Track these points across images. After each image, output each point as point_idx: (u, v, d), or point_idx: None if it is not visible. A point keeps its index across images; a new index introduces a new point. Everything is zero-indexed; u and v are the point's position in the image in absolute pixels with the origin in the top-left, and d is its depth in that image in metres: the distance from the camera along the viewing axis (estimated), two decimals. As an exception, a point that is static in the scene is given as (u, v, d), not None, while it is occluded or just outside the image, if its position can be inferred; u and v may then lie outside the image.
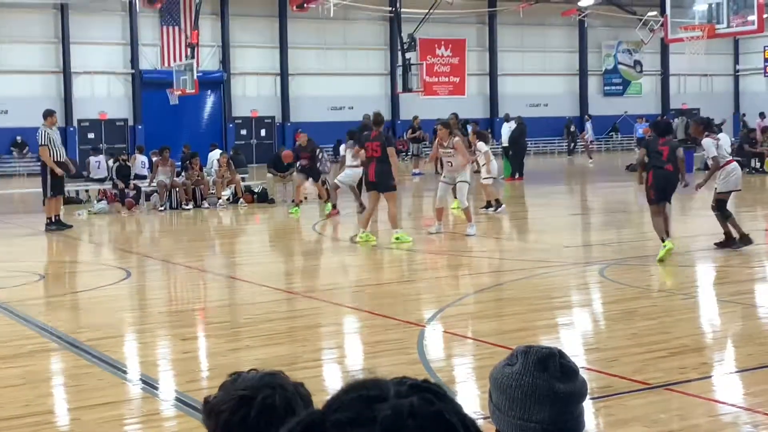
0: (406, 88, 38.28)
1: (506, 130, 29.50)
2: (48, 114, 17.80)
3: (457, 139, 14.78)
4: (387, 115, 43.82)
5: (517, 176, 27.89)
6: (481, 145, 18.33)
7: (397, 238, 13.90)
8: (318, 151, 20.25)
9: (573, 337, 8.24)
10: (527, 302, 9.52)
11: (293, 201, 20.31)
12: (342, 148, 19.81)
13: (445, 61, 45.23)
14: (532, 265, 11.91)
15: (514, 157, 28.41)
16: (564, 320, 8.94)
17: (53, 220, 17.23)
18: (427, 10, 39.30)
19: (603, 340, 8.11)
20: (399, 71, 39.14)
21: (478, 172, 18.44)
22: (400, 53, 38.83)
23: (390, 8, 41.48)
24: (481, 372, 6.67)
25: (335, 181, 18.64)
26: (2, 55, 38.00)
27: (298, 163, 20.22)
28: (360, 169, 16.79)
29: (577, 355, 7.65)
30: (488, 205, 18.32)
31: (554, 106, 47.27)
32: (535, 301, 9.60)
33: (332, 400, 1.25)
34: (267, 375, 2.17)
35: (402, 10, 39.35)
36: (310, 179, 20.17)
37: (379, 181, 13.83)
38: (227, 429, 2.08)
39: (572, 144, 44.00)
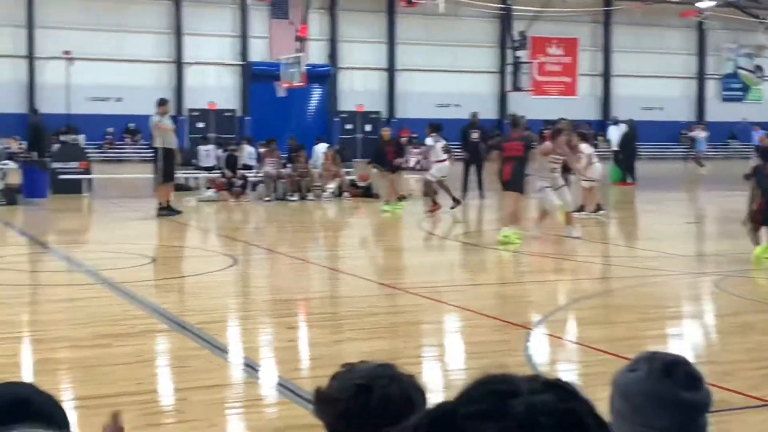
0: (516, 87, 37.83)
1: (615, 133, 28.88)
2: (161, 103, 18.18)
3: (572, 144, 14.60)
4: (494, 114, 43.51)
5: (627, 181, 27.29)
6: (584, 147, 17.78)
7: (505, 236, 13.72)
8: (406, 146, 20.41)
9: (686, 348, 7.94)
10: (638, 310, 9.22)
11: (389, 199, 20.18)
12: (429, 140, 19.56)
13: (557, 60, 44.57)
14: (642, 272, 11.57)
15: (624, 161, 27.81)
16: (676, 330, 8.64)
17: (164, 205, 17.58)
18: (539, 8, 38.78)
19: (717, 353, 7.79)
20: (509, 69, 38.72)
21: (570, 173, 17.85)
22: (510, 51, 38.41)
23: (501, 5, 41.11)
24: (590, 378, 6.46)
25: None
26: (118, 45, 39.05)
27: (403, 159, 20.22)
28: (447, 163, 17.05)
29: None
30: (581, 209, 17.71)
31: (670, 110, 46.10)
32: (646, 309, 9.30)
33: (464, 392, 1.23)
34: (382, 366, 2.13)
35: (513, 7, 38.95)
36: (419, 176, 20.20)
37: (513, 180, 13.79)
38: (346, 418, 2.04)
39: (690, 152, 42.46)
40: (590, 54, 45.86)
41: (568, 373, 7.07)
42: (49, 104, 35.99)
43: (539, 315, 8.98)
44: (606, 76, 45.96)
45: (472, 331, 8.36)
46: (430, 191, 18.91)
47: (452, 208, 18.48)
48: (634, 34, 45.70)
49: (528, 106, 39.19)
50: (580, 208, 17.62)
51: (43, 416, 1.75)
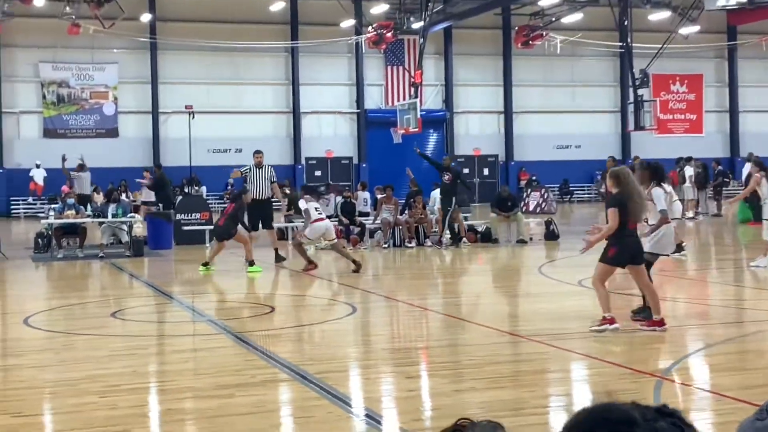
0: (638, 126, 37.00)
1: (746, 171, 27.96)
2: (255, 153, 18.91)
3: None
4: (618, 154, 42.77)
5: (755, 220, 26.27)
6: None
7: None
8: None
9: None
10: (775, 356, 8.77)
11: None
12: (301, 203, 19.04)
13: (681, 98, 43.55)
14: (777, 315, 11.02)
15: (752, 199, 26.80)
16: (818, 378, 8.15)
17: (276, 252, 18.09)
18: (660, 45, 38.03)
19: None
20: (630, 108, 37.99)
21: None
22: (631, 90, 37.72)
23: (620, 43, 40.54)
24: (722, 428, 6.16)
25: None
26: (239, 97, 40.12)
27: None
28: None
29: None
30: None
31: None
32: (783, 355, 8.83)
33: (576, 422, 1.25)
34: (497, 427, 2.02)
35: (633, 45, 38.33)
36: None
37: None
38: None
39: None
40: (715, 90, 44.68)
41: (700, 422, 6.72)
42: (173, 157, 37.11)
43: (669, 362, 8.62)
44: (732, 111, 44.65)
45: (598, 379, 8.07)
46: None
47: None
48: (761, 67, 44.33)
49: (652, 145, 38.38)
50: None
51: None
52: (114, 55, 39.01)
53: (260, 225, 18.55)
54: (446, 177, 21.16)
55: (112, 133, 39.89)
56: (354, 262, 16.54)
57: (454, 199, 20.99)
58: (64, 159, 26.01)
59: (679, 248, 17.43)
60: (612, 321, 9.84)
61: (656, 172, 11.30)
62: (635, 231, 9.84)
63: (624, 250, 9.69)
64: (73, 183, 25.43)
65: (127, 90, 39.61)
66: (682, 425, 1.23)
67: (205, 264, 17.02)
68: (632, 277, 10.15)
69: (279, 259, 18.07)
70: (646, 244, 10.57)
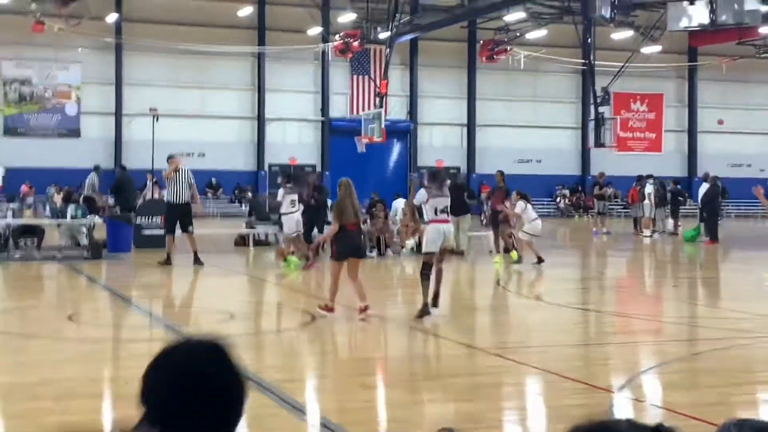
0: (599, 143, 37.41)
1: (703, 190, 28.38)
2: (168, 158, 18.98)
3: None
4: (576, 170, 43.20)
5: (707, 239, 26.68)
6: (519, 204, 19.53)
7: None
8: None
9: (780, 417, 7.60)
10: (727, 375, 8.89)
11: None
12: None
13: (641, 116, 44.08)
14: (730, 334, 11.18)
15: (708, 219, 27.21)
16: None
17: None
18: (622, 64, 38.51)
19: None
20: (591, 125, 38.42)
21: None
22: (592, 107, 38.15)
23: (583, 61, 40.99)
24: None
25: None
26: (203, 102, 39.95)
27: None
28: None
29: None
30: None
31: (759, 166, 45.10)
32: (735, 374, 8.96)
33: None
34: None
35: (596, 62, 38.79)
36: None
37: None
38: None
39: None
40: (676, 110, 45.27)
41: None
42: (135, 160, 36.86)
43: (623, 378, 8.71)
44: (691, 132, 45.28)
45: (554, 394, 8.14)
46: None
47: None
48: (720, 89, 45.00)
49: (611, 162, 38.79)
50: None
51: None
52: (78, 55, 38.68)
53: (180, 228, 18.54)
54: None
55: (74, 133, 39.52)
56: (307, 258, 17.01)
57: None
58: None
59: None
60: (331, 309, 11.72)
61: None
62: (353, 230, 11.87)
63: (344, 247, 11.75)
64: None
65: (91, 90, 39.30)
66: None
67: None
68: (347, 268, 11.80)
69: (168, 262, 18.02)
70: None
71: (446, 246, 12.06)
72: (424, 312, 11.72)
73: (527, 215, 19.50)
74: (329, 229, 12.13)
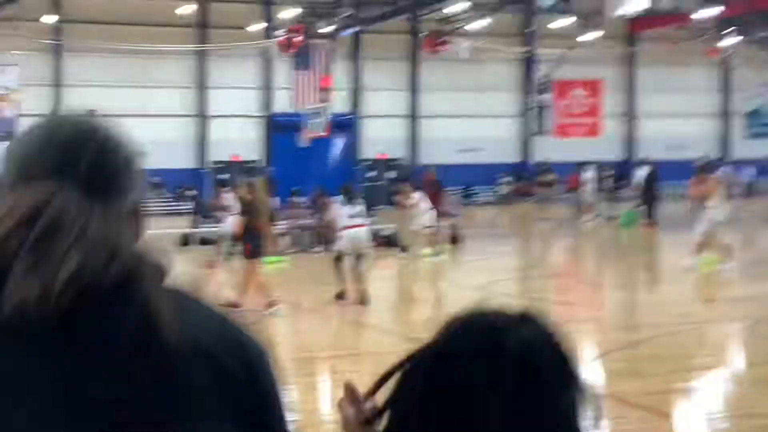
0: (539, 131, 37.63)
1: (640, 174, 28.68)
2: None
3: None
4: (518, 157, 43.45)
5: (649, 222, 26.90)
6: (416, 195, 19.42)
7: None
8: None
9: (722, 401, 7.70)
10: (671, 361, 9.00)
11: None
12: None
13: (581, 103, 44.37)
14: (674, 319, 11.31)
15: (647, 202, 27.51)
16: (712, 382, 8.39)
17: None
18: (562, 51, 38.74)
19: (756, 405, 7.54)
20: (532, 113, 38.64)
21: None
22: (533, 95, 38.35)
23: (525, 49, 41.22)
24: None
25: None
26: (145, 100, 39.45)
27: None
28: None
29: (726, 421, 7.17)
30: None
31: (696, 149, 45.72)
32: (679, 360, 9.07)
33: (445, 332, 1.27)
34: None
35: (537, 50, 38.96)
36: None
37: None
38: None
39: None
40: (615, 95, 45.68)
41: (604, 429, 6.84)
42: (76, 161, 36.17)
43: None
44: (630, 116, 45.80)
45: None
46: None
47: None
48: (660, 74, 45.53)
49: (551, 148, 39.09)
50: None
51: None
52: (14, 57, 37.95)
53: None
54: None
55: (11, 137, 38.75)
56: None
57: None
58: None
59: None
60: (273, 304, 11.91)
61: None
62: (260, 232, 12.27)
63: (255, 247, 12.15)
64: None
65: (29, 93, 38.58)
66: (545, 330, 1.25)
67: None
68: None
69: None
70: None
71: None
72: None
73: (421, 207, 19.12)
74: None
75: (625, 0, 27.83)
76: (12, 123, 38.98)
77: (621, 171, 35.19)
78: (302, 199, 23.58)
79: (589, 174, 29.76)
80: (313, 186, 26.04)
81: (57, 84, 38.99)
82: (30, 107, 38.58)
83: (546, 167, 32.79)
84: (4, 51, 36.91)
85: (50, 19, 37.73)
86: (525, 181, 39.49)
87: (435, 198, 20.47)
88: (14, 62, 38.36)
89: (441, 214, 20.49)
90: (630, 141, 45.92)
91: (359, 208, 13.27)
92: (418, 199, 19.23)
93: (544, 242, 25.54)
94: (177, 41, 38.64)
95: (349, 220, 12.70)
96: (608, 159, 36.91)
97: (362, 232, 12.88)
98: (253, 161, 41.83)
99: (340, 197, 14.47)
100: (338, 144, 42.14)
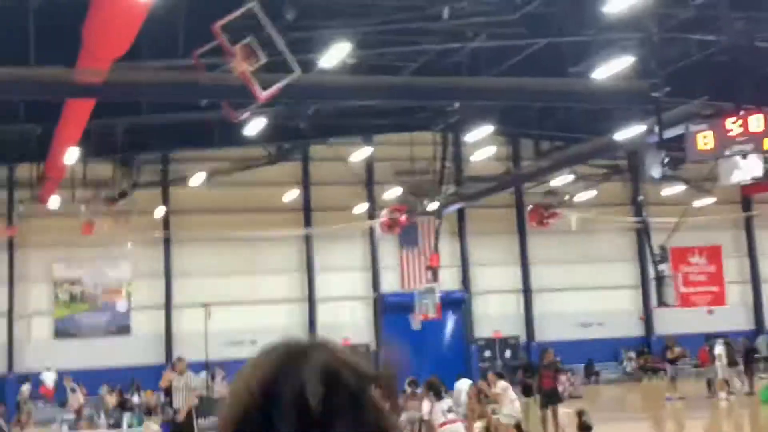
0: (661, 302, 35.93)
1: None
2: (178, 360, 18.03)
3: None
4: (639, 332, 41.67)
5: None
6: (501, 384, 18.78)
7: None
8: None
9: None
10: None
11: None
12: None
13: (701, 270, 42.66)
14: None
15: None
16: None
17: None
18: (675, 218, 37.52)
19: None
20: (651, 284, 37.06)
21: None
22: (650, 265, 36.88)
23: (637, 218, 40.11)
24: None
25: None
26: (254, 287, 39.49)
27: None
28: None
29: None
30: None
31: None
32: None
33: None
34: None
35: (650, 218, 37.80)
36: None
37: None
38: None
39: None
40: (735, 260, 43.89)
41: None
42: (185, 352, 36.12)
43: None
44: (755, 282, 43.70)
45: None
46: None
47: None
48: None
49: (675, 320, 37.35)
50: None
51: None
52: (127, 251, 38.70)
53: None
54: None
55: (124, 330, 39.08)
56: None
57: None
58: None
59: None
60: None
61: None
62: None
63: None
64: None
65: (140, 285, 39.11)
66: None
67: None
68: None
69: None
70: None
71: None
72: None
73: (508, 395, 18.38)
74: None
75: (739, 166, 26.84)
76: (126, 317, 39.41)
77: (752, 342, 33.26)
78: (419, 390, 22.41)
79: (719, 347, 28.08)
80: (427, 371, 25.00)
81: (167, 275, 39.43)
82: (141, 300, 39.04)
83: (672, 341, 31.14)
84: (117, 245, 37.72)
85: (160, 211, 38.58)
86: (651, 355, 37.64)
87: (554, 379, 19.40)
88: (127, 256, 39.10)
89: (559, 398, 19.41)
90: (757, 308, 43.63)
91: (449, 402, 12.60)
92: (503, 388, 18.36)
93: (678, 424, 23.75)
94: (282, 226, 38.95)
95: (444, 415, 11.83)
96: (734, 329, 34.91)
97: (460, 429, 12.03)
98: (365, 344, 41.10)
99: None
100: (450, 323, 41.21)
